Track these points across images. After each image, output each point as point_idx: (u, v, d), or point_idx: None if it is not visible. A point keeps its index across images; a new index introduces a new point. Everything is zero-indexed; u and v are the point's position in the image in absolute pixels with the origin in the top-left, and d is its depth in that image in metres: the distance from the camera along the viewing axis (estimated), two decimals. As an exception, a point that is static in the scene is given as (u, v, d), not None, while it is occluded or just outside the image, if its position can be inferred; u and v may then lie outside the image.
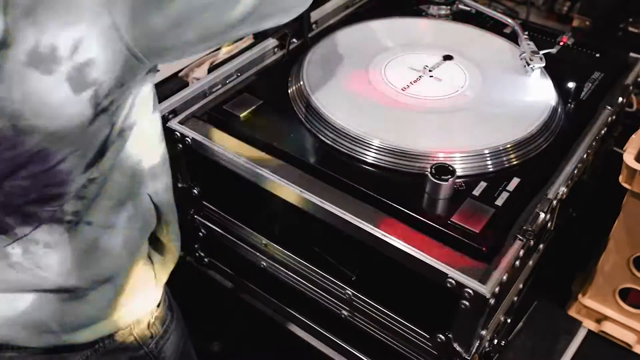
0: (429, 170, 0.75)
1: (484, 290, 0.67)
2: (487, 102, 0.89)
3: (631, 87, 1.01)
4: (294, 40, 1.06)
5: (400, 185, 0.78)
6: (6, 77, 0.54)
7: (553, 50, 0.96)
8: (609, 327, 0.97)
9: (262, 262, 0.94)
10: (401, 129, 0.84)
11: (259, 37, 1.08)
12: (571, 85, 0.92)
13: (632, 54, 1.07)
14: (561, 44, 1.06)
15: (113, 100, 0.61)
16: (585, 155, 0.86)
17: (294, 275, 0.90)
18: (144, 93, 0.66)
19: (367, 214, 0.76)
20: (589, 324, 0.99)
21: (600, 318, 0.98)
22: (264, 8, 0.66)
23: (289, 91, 0.92)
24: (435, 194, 0.75)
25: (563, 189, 0.81)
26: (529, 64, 0.93)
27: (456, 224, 0.72)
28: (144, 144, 0.70)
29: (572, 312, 1.00)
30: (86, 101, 0.58)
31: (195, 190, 0.95)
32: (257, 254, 0.94)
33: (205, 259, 1.05)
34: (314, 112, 0.87)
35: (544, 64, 0.92)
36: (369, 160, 0.81)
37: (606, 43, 1.43)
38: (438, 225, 0.72)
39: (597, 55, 1.04)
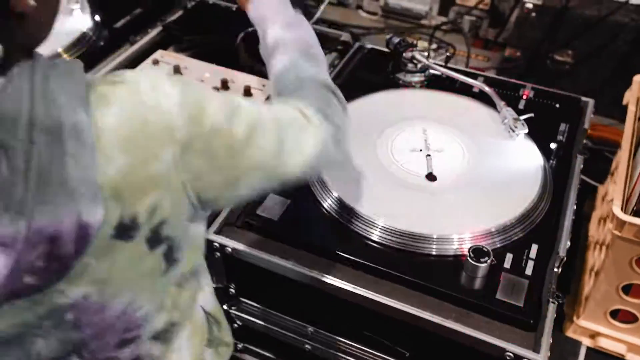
0: (465, 253, 0.86)
1: (539, 357, 0.79)
2: (488, 174, 1.01)
3: (588, 129, 1.17)
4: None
5: (438, 268, 0.88)
6: (96, 250, 0.57)
7: (531, 115, 1.08)
8: (603, 342, 1.12)
9: (307, 346, 1.01)
10: (423, 212, 0.94)
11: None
12: (552, 145, 1.05)
13: (582, 98, 1.22)
14: (524, 98, 1.20)
15: (181, 250, 0.66)
16: (575, 206, 1.00)
17: (344, 356, 0.98)
18: (200, 232, 0.71)
19: (418, 301, 0.85)
20: (585, 341, 1.14)
21: (594, 334, 1.14)
22: (315, 169, 0.75)
23: (312, 188, 0.99)
24: (474, 274, 0.86)
25: (568, 243, 0.94)
26: (513, 131, 1.05)
27: (502, 300, 0.83)
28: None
29: (570, 333, 1.15)
30: (160, 255, 0.63)
31: (231, 289, 1.00)
32: (301, 339, 1.00)
33: (239, 345, 1.10)
34: (340, 204, 0.94)
35: (527, 130, 1.05)
36: (407, 248, 0.90)
37: (535, 71, 1.61)
38: (487, 305, 0.83)
39: (557, 105, 1.19)
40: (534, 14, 1.53)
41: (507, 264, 0.88)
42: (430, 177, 1.00)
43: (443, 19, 1.88)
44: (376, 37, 1.76)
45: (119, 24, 1.37)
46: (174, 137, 0.59)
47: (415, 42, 1.20)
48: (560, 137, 1.10)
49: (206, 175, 0.62)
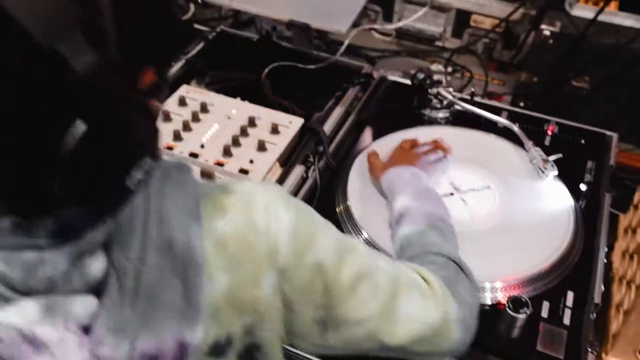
0: (502, 301, 0.87)
1: (581, 409, 0.80)
2: (520, 218, 1.02)
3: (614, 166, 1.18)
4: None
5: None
6: None
7: (559, 155, 1.09)
8: (632, 378, 1.14)
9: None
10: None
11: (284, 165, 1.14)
12: (582, 187, 1.07)
13: (607, 133, 1.23)
14: (549, 133, 1.21)
15: None
16: (607, 249, 1.01)
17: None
18: None
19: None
20: (612, 376, 1.16)
21: (621, 369, 1.15)
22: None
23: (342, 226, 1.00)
24: (513, 324, 0.87)
25: (602, 287, 0.95)
26: (543, 172, 1.06)
27: (542, 353, 0.84)
28: None
29: (598, 368, 1.17)
30: None
31: None
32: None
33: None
34: (371, 245, 0.95)
35: (556, 172, 1.06)
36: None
37: (553, 96, 1.62)
38: (529, 357, 0.84)
39: (582, 141, 1.20)
40: (551, 41, 1.54)
41: (544, 313, 0.89)
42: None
43: (457, 40, 1.89)
44: (391, 60, 1.77)
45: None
46: (277, 262, 0.58)
47: (442, 80, 1.21)
48: (588, 176, 1.12)
49: (298, 307, 0.61)
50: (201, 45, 1.43)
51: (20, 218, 0.47)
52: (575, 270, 0.96)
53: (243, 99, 1.27)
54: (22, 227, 0.47)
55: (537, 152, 1.09)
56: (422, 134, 1.18)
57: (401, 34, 1.89)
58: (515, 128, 1.13)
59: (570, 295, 0.92)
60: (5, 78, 0.40)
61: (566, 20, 1.55)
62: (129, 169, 0.45)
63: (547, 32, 1.54)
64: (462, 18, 1.83)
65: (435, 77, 1.19)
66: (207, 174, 1.10)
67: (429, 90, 1.20)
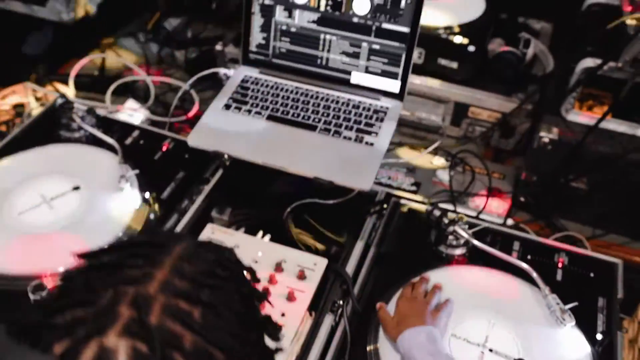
0: None
1: None
2: None
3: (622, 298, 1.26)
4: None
5: None
6: None
7: (576, 303, 1.16)
8: None
9: None
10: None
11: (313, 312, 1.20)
12: (598, 337, 1.14)
13: (614, 261, 1.31)
14: (560, 266, 1.29)
15: None
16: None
17: None
18: None
19: None
20: None
21: None
22: None
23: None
24: None
25: None
26: (562, 323, 1.13)
27: None
28: None
29: None
30: None
31: None
32: None
33: None
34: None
35: (574, 322, 1.13)
36: None
37: (550, 195, 1.70)
38: None
39: (592, 274, 1.28)
40: (549, 147, 1.62)
41: None
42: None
43: (456, 128, 1.97)
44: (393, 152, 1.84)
45: (165, 194, 1.41)
46: None
47: (457, 218, 1.27)
48: (601, 318, 1.19)
49: None
50: (220, 173, 1.47)
51: None
52: None
53: (264, 234, 1.33)
54: None
55: (554, 300, 1.15)
56: (439, 276, 1.24)
57: (400, 124, 1.95)
58: (534, 274, 1.20)
59: None
60: None
61: (563, 125, 1.64)
62: None
63: (545, 140, 1.62)
64: (460, 109, 1.91)
65: (460, 229, 1.25)
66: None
67: (446, 229, 1.27)
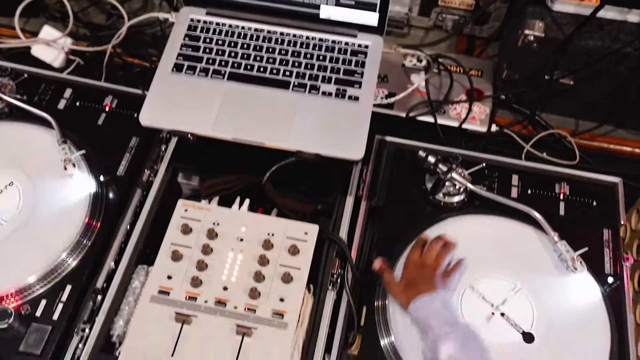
0: None
1: None
2: (557, 323, 1.05)
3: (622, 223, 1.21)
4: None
5: None
6: None
7: (585, 249, 1.10)
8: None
9: None
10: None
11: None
12: (609, 280, 1.11)
13: (613, 179, 1.25)
14: (562, 197, 1.22)
15: None
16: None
17: None
18: None
19: None
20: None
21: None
22: None
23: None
24: None
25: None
26: (574, 271, 1.09)
27: None
28: None
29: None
30: None
31: None
32: None
33: None
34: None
35: (585, 269, 1.09)
36: None
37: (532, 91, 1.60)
38: None
39: (594, 203, 1.22)
40: (535, 45, 1.48)
41: None
42: (528, 336, 1.04)
43: (424, 19, 1.78)
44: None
45: (121, 169, 1.23)
46: None
47: (454, 165, 1.16)
48: (606, 249, 1.15)
49: None
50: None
51: None
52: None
53: (242, 200, 1.20)
54: None
55: (563, 247, 1.10)
56: (442, 229, 1.16)
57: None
58: (538, 216, 1.12)
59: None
60: None
61: (548, 17, 1.48)
62: None
63: (530, 38, 1.47)
64: (429, -1, 1.70)
65: (457, 175, 1.14)
66: (242, 329, 1.05)
67: (443, 178, 1.16)
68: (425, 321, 1.00)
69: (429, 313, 1.00)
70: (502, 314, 1.06)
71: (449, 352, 0.94)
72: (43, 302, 1.06)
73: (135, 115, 1.23)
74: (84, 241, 1.12)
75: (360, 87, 1.12)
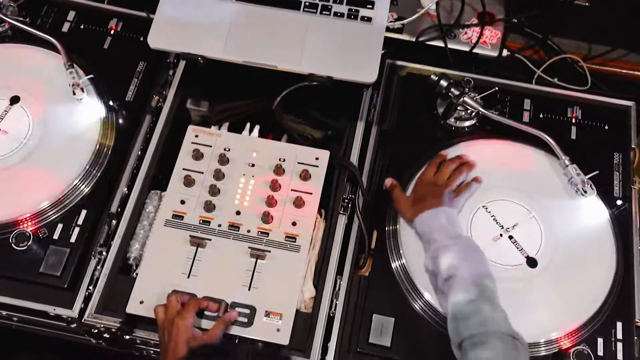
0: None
1: None
2: (566, 249, 1.07)
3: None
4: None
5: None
6: None
7: (596, 172, 1.11)
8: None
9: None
10: (520, 309, 1.02)
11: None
12: (619, 202, 1.11)
13: (626, 104, 1.24)
14: (574, 121, 1.21)
15: None
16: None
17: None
18: None
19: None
20: None
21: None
22: None
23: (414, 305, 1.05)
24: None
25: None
26: (583, 194, 1.09)
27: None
28: None
29: None
30: None
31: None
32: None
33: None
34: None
35: (595, 192, 1.09)
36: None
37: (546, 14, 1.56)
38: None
39: (606, 127, 1.21)
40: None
41: (600, 351, 1.01)
42: (532, 262, 1.06)
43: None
44: None
45: (130, 95, 1.22)
46: None
47: (466, 88, 1.14)
48: (617, 173, 1.15)
49: None
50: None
51: None
52: (619, 297, 1.05)
53: (252, 126, 1.19)
54: None
55: (574, 170, 1.10)
56: (454, 154, 1.16)
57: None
58: (549, 139, 1.12)
59: (619, 327, 1.03)
60: None
61: None
62: None
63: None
64: None
65: (469, 99, 1.12)
66: (255, 252, 1.07)
67: (456, 102, 1.15)
68: (429, 234, 1.01)
69: (433, 227, 1.01)
70: (510, 237, 1.08)
71: (449, 262, 0.96)
72: (59, 226, 1.07)
73: (142, 38, 1.20)
74: (96, 167, 1.13)
75: (372, 7, 1.09)
